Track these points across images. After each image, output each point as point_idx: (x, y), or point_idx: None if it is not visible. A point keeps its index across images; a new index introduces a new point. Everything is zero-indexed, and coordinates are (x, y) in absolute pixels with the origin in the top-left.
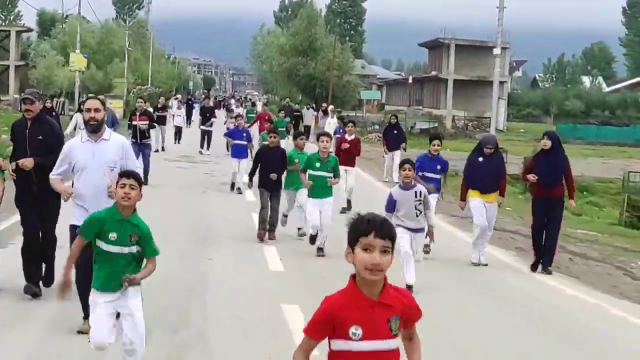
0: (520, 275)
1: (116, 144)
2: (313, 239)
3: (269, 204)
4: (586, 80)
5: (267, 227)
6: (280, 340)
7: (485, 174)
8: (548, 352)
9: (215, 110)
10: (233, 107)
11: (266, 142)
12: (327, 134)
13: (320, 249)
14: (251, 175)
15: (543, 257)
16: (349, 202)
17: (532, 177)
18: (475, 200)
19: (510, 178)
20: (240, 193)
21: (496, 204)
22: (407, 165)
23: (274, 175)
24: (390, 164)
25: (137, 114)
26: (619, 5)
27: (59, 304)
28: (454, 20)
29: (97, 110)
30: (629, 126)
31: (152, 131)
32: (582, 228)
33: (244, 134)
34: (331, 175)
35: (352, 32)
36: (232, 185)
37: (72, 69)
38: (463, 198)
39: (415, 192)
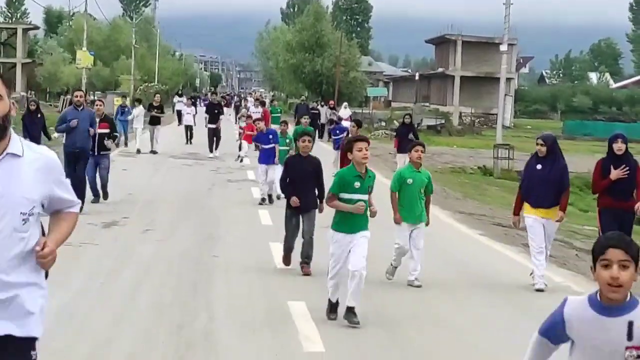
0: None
1: (39, 166)
2: (334, 308)
3: (300, 229)
4: (593, 76)
5: (303, 259)
6: (287, 337)
7: (542, 184)
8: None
9: (224, 107)
10: (250, 106)
11: (289, 151)
12: (364, 139)
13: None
14: (283, 189)
15: None
16: None
17: (621, 173)
18: (530, 217)
19: (517, 174)
20: (272, 202)
21: (554, 221)
22: (616, 255)
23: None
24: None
25: (97, 120)
26: (626, 1)
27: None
28: (460, 17)
29: None
30: (637, 122)
31: (142, 131)
32: (589, 225)
33: (270, 136)
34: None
35: (358, 28)
36: (268, 198)
37: (79, 66)
38: (517, 212)
39: (631, 324)
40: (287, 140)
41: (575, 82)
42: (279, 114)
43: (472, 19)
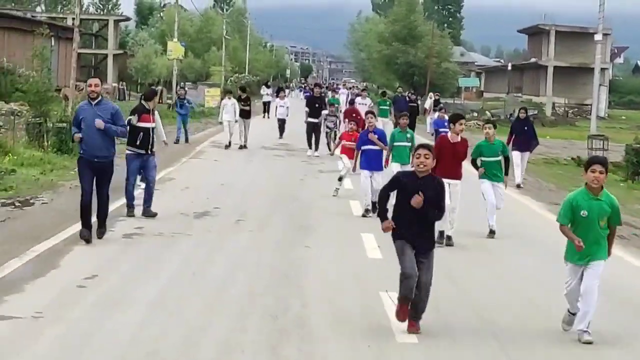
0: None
1: None
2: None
3: (417, 269)
4: None
5: (411, 313)
6: (379, 328)
7: None
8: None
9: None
10: (354, 97)
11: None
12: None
13: None
14: (382, 212)
15: None
16: (448, 236)
17: None
18: None
19: (611, 166)
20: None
21: None
22: None
23: None
24: (519, 166)
25: (150, 111)
26: None
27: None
28: (554, 6)
29: None
30: None
31: (232, 125)
32: None
33: (376, 136)
34: None
35: (450, 18)
36: (368, 211)
37: (170, 58)
38: None
39: None
40: (408, 136)
41: None
42: (388, 107)
43: (566, 9)
